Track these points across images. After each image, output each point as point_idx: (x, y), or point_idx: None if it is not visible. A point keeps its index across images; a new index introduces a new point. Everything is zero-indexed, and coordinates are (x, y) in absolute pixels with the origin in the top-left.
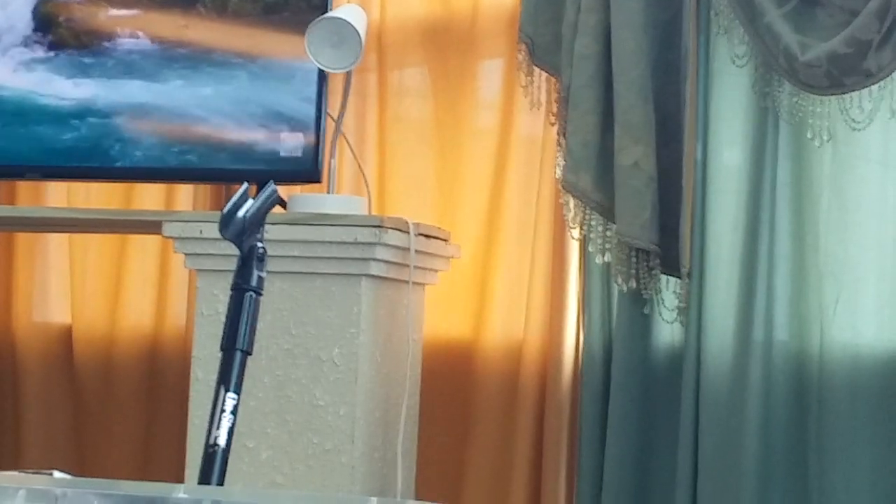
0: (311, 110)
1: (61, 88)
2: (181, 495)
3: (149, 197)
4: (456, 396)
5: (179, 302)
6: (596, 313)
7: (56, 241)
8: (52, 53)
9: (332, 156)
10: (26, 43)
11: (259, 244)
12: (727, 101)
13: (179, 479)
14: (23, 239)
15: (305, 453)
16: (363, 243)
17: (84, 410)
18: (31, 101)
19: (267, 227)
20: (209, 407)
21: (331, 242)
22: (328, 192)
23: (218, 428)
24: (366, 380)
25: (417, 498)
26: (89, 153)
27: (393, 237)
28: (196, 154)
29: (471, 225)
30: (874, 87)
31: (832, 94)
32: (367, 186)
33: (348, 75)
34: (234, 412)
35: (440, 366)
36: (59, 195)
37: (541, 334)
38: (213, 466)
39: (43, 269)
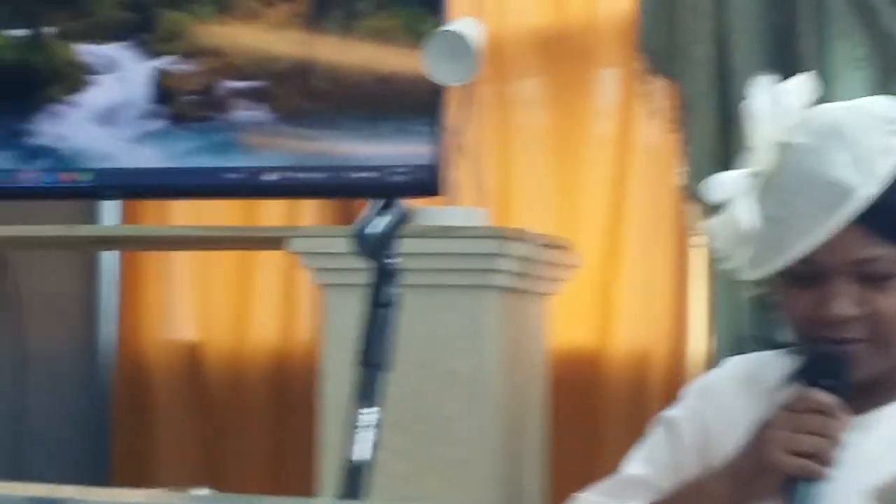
0: (430, 124)
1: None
2: None
3: (271, 212)
4: (584, 406)
5: (306, 317)
6: (723, 320)
7: (182, 259)
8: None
9: (452, 168)
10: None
11: (393, 260)
12: (845, 68)
13: (309, 494)
14: (149, 257)
15: (437, 465)
16: (486, 255)
17: (213, 426)
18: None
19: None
20: (339, 422)
21: (454, 254)
22: (450, 205)
23: (358, 443)
24: (494, 390)
25: None
26: (212, 171)
27: (515, 248)
28: (318, 169)
29: (592, 234)
30: None
31: None
32: (487, 198)
33: (466, 87)
34: (375, 426)
35: (566, 375)
36: (183, 213)
37: (666, 342)
38: (356, 481)
39: (169, 286)
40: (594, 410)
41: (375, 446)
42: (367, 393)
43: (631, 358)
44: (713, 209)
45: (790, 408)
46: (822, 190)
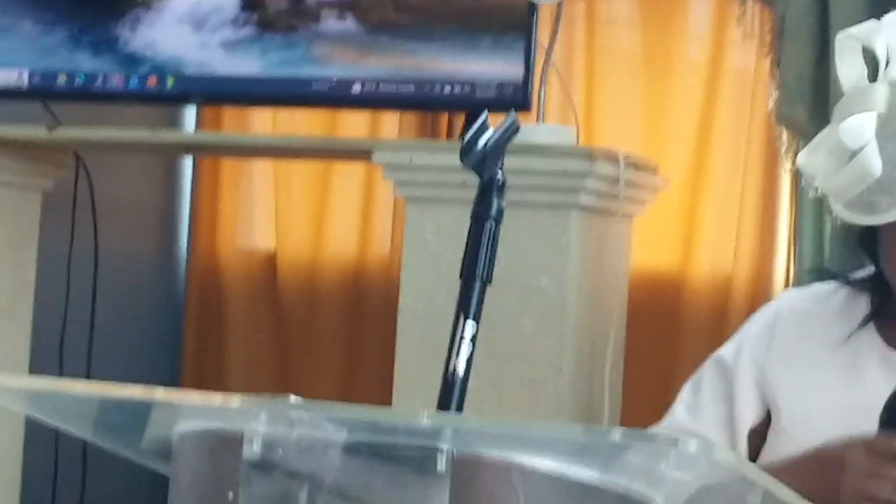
0: (521, 40)
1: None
2: (424, 422)
3: (349, 126)
4: (663, 329)
5: (383, 229)
6: (808, 247)
7: (259, 169)
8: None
9: (541, 85)
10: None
11: (499, 173)
12: None
13: (384, 406)
14: (228, 166)
15: (513, 382)
16: (572, 173)
17: (287, 336)
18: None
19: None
20: (417, 334)
21: (540, 172)
22: (537, 122)
23: (458, 356)
24: (573, 310)
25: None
26: (299, 81)
27: (602, 168)
28: (406, 81)
29: (679, 156)
30: None
31: None
32: (575, 116)
33: (559, 5)
34: (473, 341)
35: (647, 298)
36: (263, 122)
37: (750, 267)
38: (453, 394)
39: (248, 195)
40: (674, 334)
41: (470, 360)
42: (468, 306)
43: (713, 283)
44: (806, 138)
45: (873, 449)
46: None
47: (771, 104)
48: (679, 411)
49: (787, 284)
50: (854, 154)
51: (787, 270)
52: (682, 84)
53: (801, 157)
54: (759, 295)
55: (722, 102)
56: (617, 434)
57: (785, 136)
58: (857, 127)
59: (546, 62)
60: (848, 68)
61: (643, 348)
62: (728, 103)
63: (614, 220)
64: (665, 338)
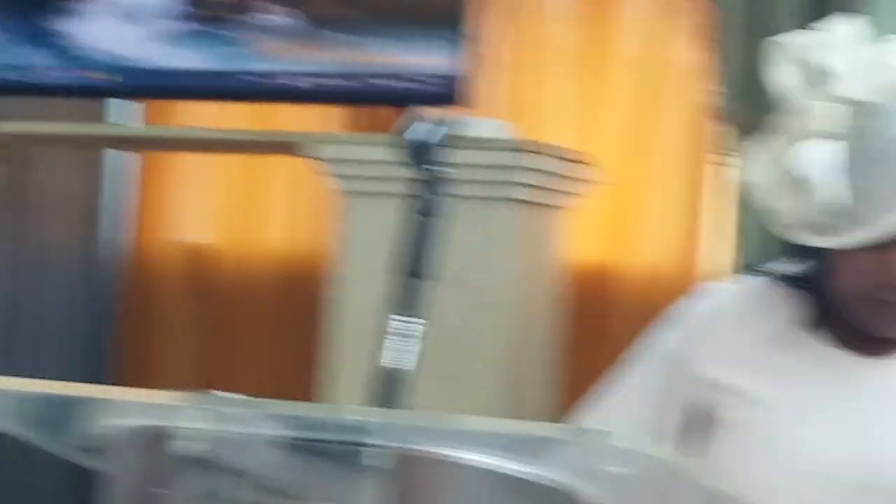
0: (457, 34)
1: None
2: (356, 417)
3: (282, 119)
4: (597, 320)
5: (318, 223)
6: (741, 240)
7: (192, 162)
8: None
9: (476, 79)
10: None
11: (439, 168)
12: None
13: (315, 402)
14: (159, 159)
15: (447, 375)
16: (507, 167)
17: (218, 330)
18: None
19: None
20: (355, 329)
21: (475, 166)
22: (473, 116)
23: (391, 351)
24: (508, 303)
25: (554, 419)
26: (232, 74)
27: (536, 161)
28: (344, 75)
29: (614, 149)
30: None
31: None
32: (510, 110)
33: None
34: (418, 337)
35: (582, 290)
36: (192, 116)
37: (682, 260)
38: (386, 389)
39: (180, 189)
40: (606, 325)
41: (418, 357)
42: (406, 302)
43: (645, 275)
44: (744, 132)
45: None
46: None
47: (710, 98)
48: (606, 404)
49: (717, 276)
50: (812, 180)
51: (720, 263)
52: (617, 78)
53: (750, 173)
54: (690, 287)
55: (658, 96)
56: (549, 429)
57: (720, 130)
58: (820, 155)
59: (483, 56)
60: (784, 76)
61: (578, 339)
62: (664, 98)
63: (548, 212)
64: (599, 328)
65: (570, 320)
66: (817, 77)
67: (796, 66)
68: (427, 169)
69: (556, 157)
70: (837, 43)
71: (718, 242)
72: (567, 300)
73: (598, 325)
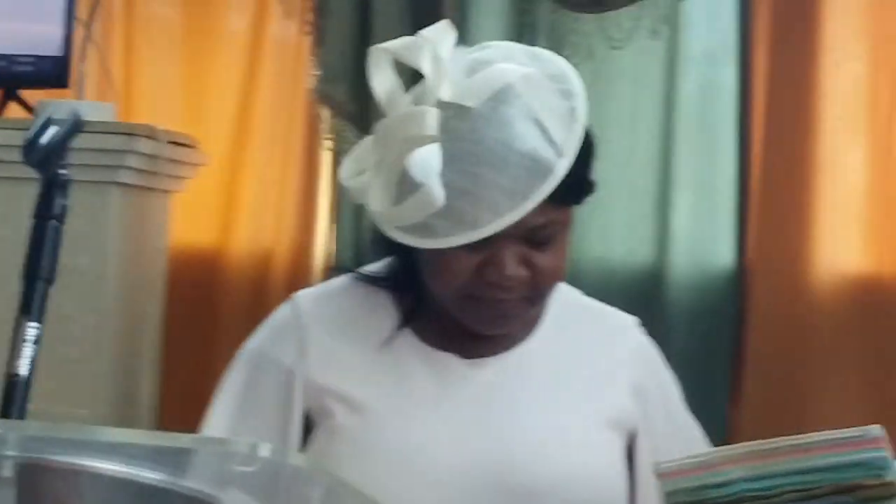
0: (59, 12)
1: None
2: None
3: None
4: (203, 304)
5: None
6: (347, 225)
7: None
8: None
9: (79, 60)
10: None
11: (62, 171)
12: (486, 17)
13: None
14: None
15: (51, 363)
16: (112, 151)
17: None
18: None
19: (11, 132)
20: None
21: (79, 150)
22: (76, 98)
23: (20, 358)
24: (112, 289)
25: (162, 405)
26: None
27: (141, 144)
28: None
29: (220, 131)
30: (633, 7)
31: (592, 13)
32: (115, 92)
33: None
34: (37, 342)
35: (188, 274)
36: None
37: (290, 243)
38: (15, 397)
39: None
40: (213, 309)
41: (33, 362)
42: (30, 307)
43: (253, 258)
44: (345, 116)
45: None
46: (516, 166)
47: (312, 82)
48: (229, 417)
49: (328, 264)
50: (409, 182)
51: (329, 247)
52: (223, 58)
53: (347, 176)
54: (300, 271)
55: (264, 77)
56: (186, 439)
57: (325, 114)
58: (424, 160)
59: (86, 36)
60: (381, 81)
61: (184, 325)
62: (270, 78)
63: (154, 196)
64: (206, 314)
65: (180, 305)
66: (411, 81)
67: (392, 69)
68: (52, 171)
69: (162, 141)
70: (431, 48)
71: (329, 227)
72: (176, 285)
73: (208, 310)
